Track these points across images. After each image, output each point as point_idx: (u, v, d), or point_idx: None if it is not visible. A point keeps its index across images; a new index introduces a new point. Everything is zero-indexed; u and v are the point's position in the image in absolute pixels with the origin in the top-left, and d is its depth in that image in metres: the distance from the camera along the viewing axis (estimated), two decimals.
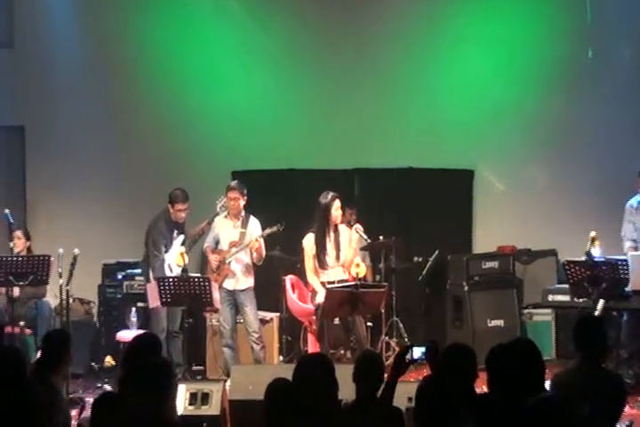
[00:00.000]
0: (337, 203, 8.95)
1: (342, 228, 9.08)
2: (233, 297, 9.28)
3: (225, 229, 9.37)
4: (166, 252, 9.33)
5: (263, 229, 9.26)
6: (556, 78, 10.81)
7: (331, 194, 8.95)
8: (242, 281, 9.29)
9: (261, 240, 9.18)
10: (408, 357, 5.27)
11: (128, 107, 11.17)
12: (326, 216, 8.93)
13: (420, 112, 11.03)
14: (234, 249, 9.25)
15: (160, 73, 11.14)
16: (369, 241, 9.18)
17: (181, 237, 9.42)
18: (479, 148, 10.99)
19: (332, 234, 9.00)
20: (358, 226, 9.05)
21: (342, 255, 8.99)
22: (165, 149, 11.12)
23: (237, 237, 9.28)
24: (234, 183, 9.38)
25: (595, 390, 5.46)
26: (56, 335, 6.28)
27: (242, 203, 9.27)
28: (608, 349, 5.86)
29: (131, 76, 11.15)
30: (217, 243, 9.41)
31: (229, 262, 9.26)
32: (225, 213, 9.38)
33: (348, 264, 9.00)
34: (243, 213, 9.34)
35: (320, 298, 8.83)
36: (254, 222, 9.35)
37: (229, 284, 9.29)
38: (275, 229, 9.19)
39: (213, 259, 9.30)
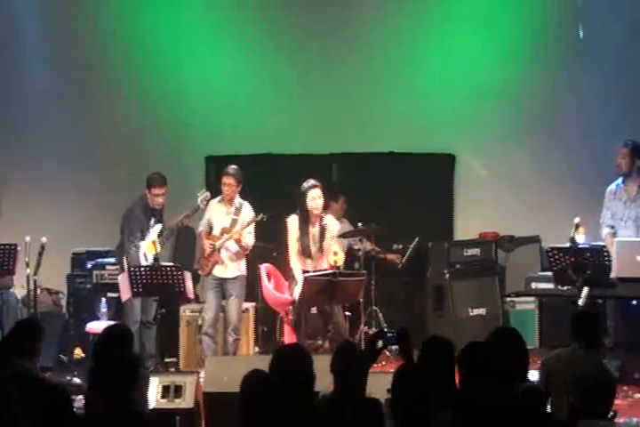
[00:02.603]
0: (314, 192, 8.88)
1: (331, 220, 9.08)
2: (221, 284, 9.27)
3: (218, 214, 9.35)
4: (142, 239, 9.31)
5: None
6: (543, 60, 10.80)
7: (310, 182, 8.91)
8: (230, 269, 9.27)
9: (245, 231, 9.15)
10: (379, 344, 5.29)
11: (98, 93, 11.11)
12: (302, 205, 8.92)
13: (401, 95, 11.01)
14: (224, 236, 9.25)
15: (131, 57, 11.08)
16: (332, 237, 9.00)
17: (159, 227, 9.39)
18: (461, 132, 10.99)
19: (313, 225, 8.93)
20: (326, 222, 8.95)
21: (325, 248, 8.96)
22: (137, 134, 11.07)
23: (229, 223, 9.27)
24: (231, 168, 9.31)
25: (585, 373, 5.65)
26: (26, 325, 6.27)
27: (235, 189, 9.26)
28: (603, 343, 6.14)
29: (100, 61, 11.07)
30: (210, 228, 9.40)
31: (219, 249, 9.26)
32: (219, 198, 9.36)
33: (327, 254, 8.99)
34: (236, 200, 9.32)
35: (298, 289, 8.82)
36: (248, 209, 9.32)
37: (218, 271, 9.28)
38: (257, 218, 9.20)
39: (207, 245, 9.29)
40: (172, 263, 9.30)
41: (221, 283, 9.28)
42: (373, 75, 11.06)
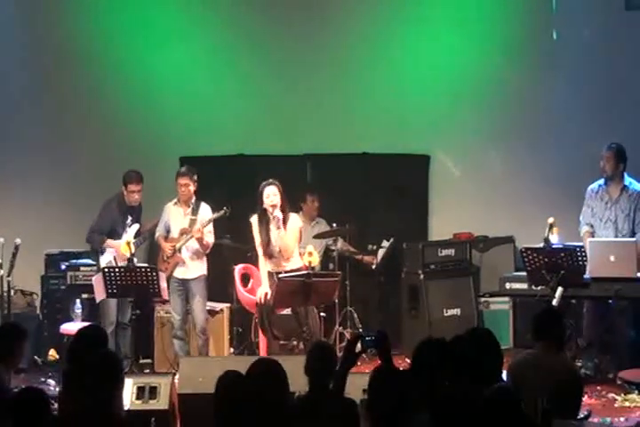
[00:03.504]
0: (269, 189, 8.83)
1: (293, 217, 9.05)
2: (184, 286, 9.30)
3: (175, 216, 9.40)
4: (118, 237, 9.33)
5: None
6: (517, 61, 10.80)
7: (266, 181, 8.91)
8: (192, 269, 9.32)
9: (205, 230, 9.17)
10: (358, 347, 5.31)
11: (69, 91, 11.04)
12: (260, 204, 8.91)
13: (374, 95, 11.02)
14: (184, 236, 9.27)
15: (102, 56, 11.01)
16: (280, 231, 8.85)
17: (136, 226, 9.42)
18: (435, 132, 11.00)
19: (275, 224, 8.89)
20: (278, 215, 8.86)
21: (281, 243, 8.91)
22: (111, 134, 11.02)
23: (187, 224, 9.31)
24: (183, 169, 9.42)
25: (553, 373, 5.64)
26: (9, 329, 6.26)
27: (192, 189, 9.28)
28: (566, 340, 6.06)
29: (70, 59, 11.02)
30: (167, 231, 9.42)
31: (179, 250, 9.29)
32: (175, 200, 9.38)
33: (289, 254, 8.93)
34: (193, 200, 9.35)
35: (262, 290, 8.85)
36: (205, 209, 9.36)
37: (180, 272, 9.33)
38: (221, 213, 9.23)
39: (168, 247, 9.30)
40: (146, 264, 9.32)
41: (183, 284, 9.30)
42: (347, 75, 11.05)
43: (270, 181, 8.87)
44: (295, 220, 9.04)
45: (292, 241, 8.94)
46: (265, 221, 8.90)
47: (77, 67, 11.04)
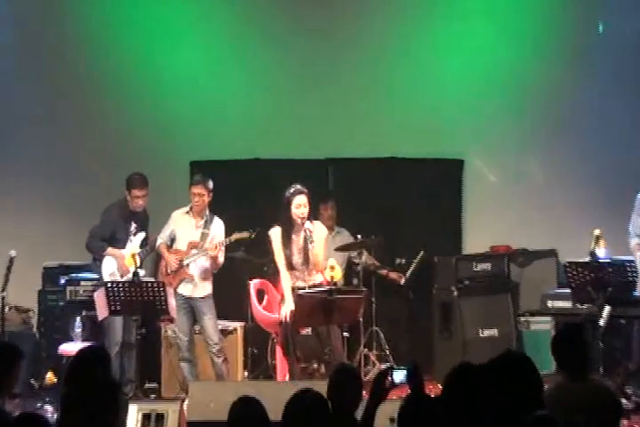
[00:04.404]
0: (299, 199, 8.77)
1: (318, 226, 9.01)
2: (189, 304, 9.27)
3: (184, 226, 9.34)
4: (121, 246, 9.35)
5: (231, 233, 9.25)
6: (561, 58, 10.82)
7: (294, 188, 8.83)
8: (200, 287, 9.28)
9: (223, 248, 9.17)
10: (388, 381, 5.28)
11: (69, 90, 11.10)
12: (287, 213, 8.88)
13: (404, 94, 11.03)
14: (194, 251, 9.24)
15: (110, 54, 11.09)
16: (313, 245, 8.77)
17: (142, 235, 9.43)
18: (470, 135, 11.01)
19: (297, 234, 8.87)
20: (309, 227, 8.82)
21: (311, 257, 8.91)
22: (115, 137, 11.06)
23: (198, 237, 9.27)
24: (198, 177, 9.36)
25: (586, 403, 5.57)
26: (3, 349, 6.26)
27: (206, 199, 9.26)
28: (591, 361, 5.94)
29: (73, 58, 11.09)
30: (172, 240, 9.39)
31: (187, 265, 9.26)
32: (186, 209, 9.35)
33: (319, 267, 8.92)
34: (207, 212, 9.33)
35: (287, 308, 8.80)
36: (218, 224, 9.33)
37: (186, 289, 9.28)
38: (245, 235, 9.20)
39: (173, 259, 9.28)
40: (152, 279, 9.32)
41: (189, 303, 9.28)
42: (373, 74, 11.07)
43: (299, 188, 8.79)
44: (321, 228, 8.99)
45: (322, 252, 8.91)
46: (290, 232, 8.84)
47: (76, 64, 11.10)
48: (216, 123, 11.13)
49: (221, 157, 10.92)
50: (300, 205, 8.74)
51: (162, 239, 9.39)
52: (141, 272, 9.00)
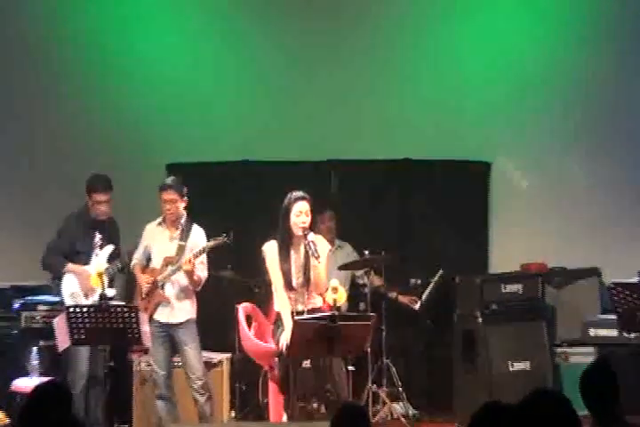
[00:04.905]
0: (300, 205, 8.74)
1: (319, 240, 8.96)
2: (167, 332, 9.21)
3: (158, 240, 9.28)
4: (87, 262, 9.34)
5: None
6: (601, 48, 10.91)
7: (295, 194, 8.81)
8: (179, 311, 9.21)
9: (197, 261, 9.09)
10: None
11: (37, 89, 11.22)
12: (285, 223, 8.83)
13: (420, 88, 11.10)
14: (169, 268, 9.18)
15: (82, 49, 11.22)
16: (319, 261, 8.67)
17: (109, 249, 9.39)
18: (498, 134, 11.09)
19: (296, 248, 8.81)
20: (312, 239, 8.71)
21: (312, 276, 8.84)
22: (82, 137, 11.12)
23: (174, 251, 9.22)
24: (169, 180, 9.31)
25: None
26: None
27: (181, 206, 9.22)
28: (619, 402, 5.92)
29: (43, 56, 11.22)
30: (148, 259, 9.35)
31: (162, 285, 9.20)
32: (159, 220, 9.31)
33: (321, 288, 8.87)
34: (183, 221, 9.28)
35: (287, 336, 8.74)
36: (198, 233, 9.26)
37: (162, 315, 9.21)
38: (219, 241, 9.10)
39: (144, 280, 9.23)
40: (122, 302, 9.26)
41: (167, 330, 9.22)
42: (384, 64, 11.19)
43: (300, 194, 8.72)
44: (323, 243, 8.94)
45: (325, 270, 8.84)
46: (288, 245, 8.79)
47: (46, 61, 11.23)
48: (198, 121, 11.22)
49: (204, 160, 10.91)
50: (300, 212, 8.70)
51: (136, 259, 9.35)
52: (110, 293, 8.93)
